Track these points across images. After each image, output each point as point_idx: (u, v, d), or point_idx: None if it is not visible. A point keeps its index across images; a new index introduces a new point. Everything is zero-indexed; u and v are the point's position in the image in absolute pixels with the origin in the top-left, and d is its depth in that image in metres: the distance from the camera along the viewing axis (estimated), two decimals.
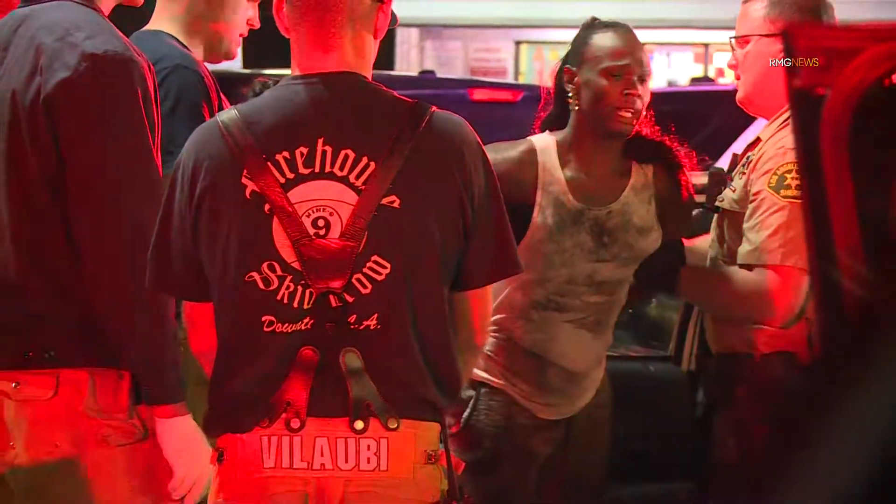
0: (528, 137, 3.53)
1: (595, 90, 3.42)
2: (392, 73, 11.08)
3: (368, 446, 2.50)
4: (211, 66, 3.43)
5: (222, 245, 2.52)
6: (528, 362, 3.53)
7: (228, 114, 2.57)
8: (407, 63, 19.19)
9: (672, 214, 3.53)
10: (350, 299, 2.49)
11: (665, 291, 4.16)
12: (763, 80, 3.40)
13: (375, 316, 2.50)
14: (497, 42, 20.02)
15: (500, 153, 3.38)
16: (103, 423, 2.82)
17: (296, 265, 2.49)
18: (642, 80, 3.42)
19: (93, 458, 2.82)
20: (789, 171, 3.21)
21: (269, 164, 2.50)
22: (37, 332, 2.82)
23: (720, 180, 3.47)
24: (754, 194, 3.28)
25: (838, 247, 1.58)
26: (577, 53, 3.47)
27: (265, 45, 4.51)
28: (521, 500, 3.60)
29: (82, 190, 2.77)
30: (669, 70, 19.10)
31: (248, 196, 2.50)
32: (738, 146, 3.92)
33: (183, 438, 2.83)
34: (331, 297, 2.49)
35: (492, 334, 3.45)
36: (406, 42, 19.56)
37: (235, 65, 7.64)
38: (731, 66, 3.53)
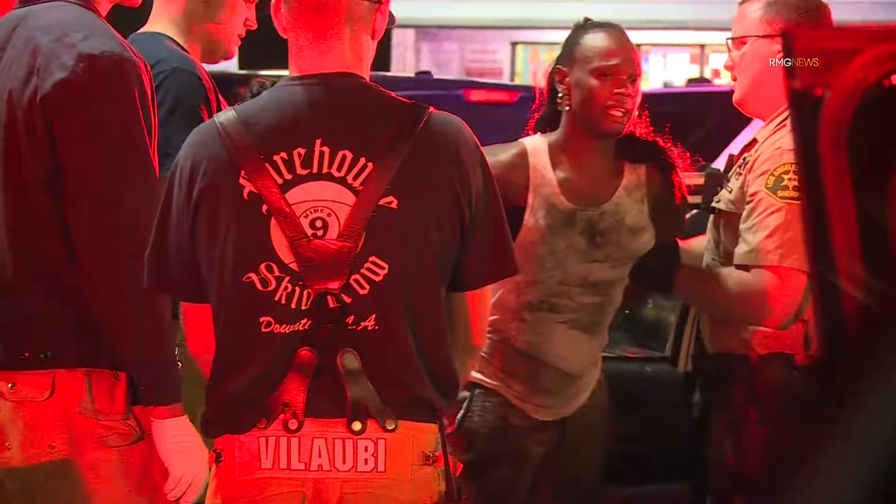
0: (520, 140, 3.54)
1: (586, 90, 3.42)
2: (388, 74, 11.08)
3: (366, 447, 2.50)
4: (207, 67, 3.42)
5: (220, 246, 2.51)
6: (522, 363, 3.52)
7: (226, 115, 2.56)
8: (403, 64, 19.19)
9: (665, 215, 3.53)
10: (348, 300, 2.49)
11: (660, 292, 4.17)
12: (760, 81, 3.40)
13: (373, 317, 2.50)
14: (493, 43, 20.02)
15: (492, 156, 3.38)
16: (99, 424, 2.82)
17: (293, 266, 2.49)
18: (633, 79, 3.42)
19: (89, 459, 2.81)
20: (786, 173, 3.21)
21: (266, 164, 2.50)
22: (33, 333, 2.81)
23: (716, 181, 3.47)
24: (751, 195, 3.28)
25: (837, 248, 1.57)
26: (569, 54, 3.48)
27: (262, 47, 4.51)
28: (515, 502, 3.59)
29: (79, 190, 2.76)
30: (665, 71, 19.11)
31: (245, 197, 2.50)
32: (734, 147, 3.92)
33: (179, 439, 2.83)
34: (329, 297, 2.48)
35: (486, 335, 3.44)
36: (402, 43, 19.56)
37: (232, 66, 7.63)
38: (727, 68, 3.53)
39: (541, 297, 3.49)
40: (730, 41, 3.48)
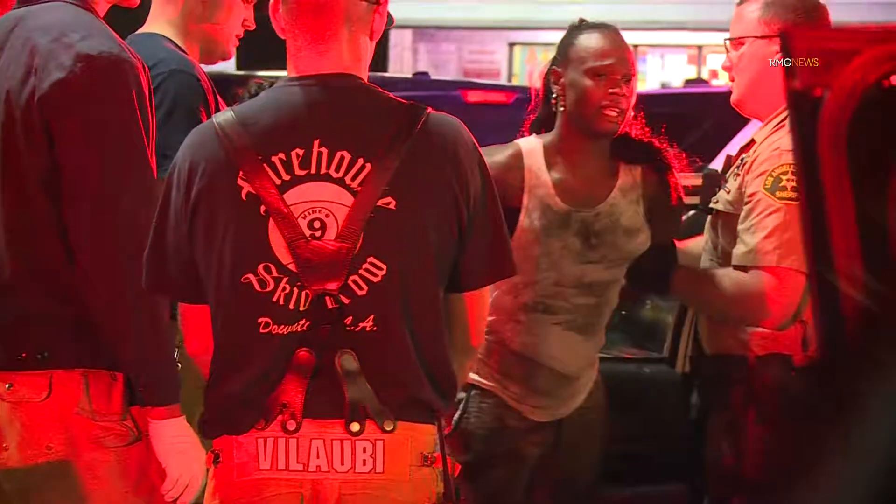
0: (516, 141, 3.53)
1: (580, 90, 3.42)
2: (385, 74, 11.08)
3: (364, 448, 2.49)
4: (205, 68, 3.42)
5: (218, 247, 2.51)
6: (518, 364, 3.52)
7: (224, 115, 2.56)
8: (400, 65, 19.20)
9: (661, 216, 3.53)
10: (346, 301, 2.49)
11: (657, 293, 4.16)
12: (757, 81, 3.40)
13: (371, 318, 2.49)
14: (491, 44, 20.04)
15: (487, 157, 3.37)
16: (96, 425, 2.81)
17: (292, 267, 2.48)
18: (627, 79, 3.42)
19: (86, 459, 2.81)
20: (785, 173, 3.21)
21: (265, 165, 2.49)
22: (31, 334, 2.81)
23: (714, 182, 3.47)
24: (749, 196, 3.27)
25: (835, 249, 1.57)
26: (563, 55, 3.48)
27: (259, 47, 4.50)
28: (511, 503, 3.59)
29: (77, 190, 2.76)
30: (663, 72, 19.12)
31: (244, 198, 2.49)
32: (732, 148, 3.92)
33: (177, 440, 2.83)
34: (327, 298, 2.48)
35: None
36: (399, 44, 19.57)
37: (230, 66, 7.63)
38: (725, 68, 3.53)
39: (536, 299, 3.48)
40: (728, 42, 3.48)
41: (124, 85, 2.77)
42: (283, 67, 2.60)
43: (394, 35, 18.56)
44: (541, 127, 3.55)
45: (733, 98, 3.48)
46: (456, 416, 3.53)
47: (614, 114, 3.40)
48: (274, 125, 2.53)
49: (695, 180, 3.66)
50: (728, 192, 3.37)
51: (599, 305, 3.52)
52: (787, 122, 3.29)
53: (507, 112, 6.60)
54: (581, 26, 3.50)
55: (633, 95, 3.43)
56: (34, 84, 2.76)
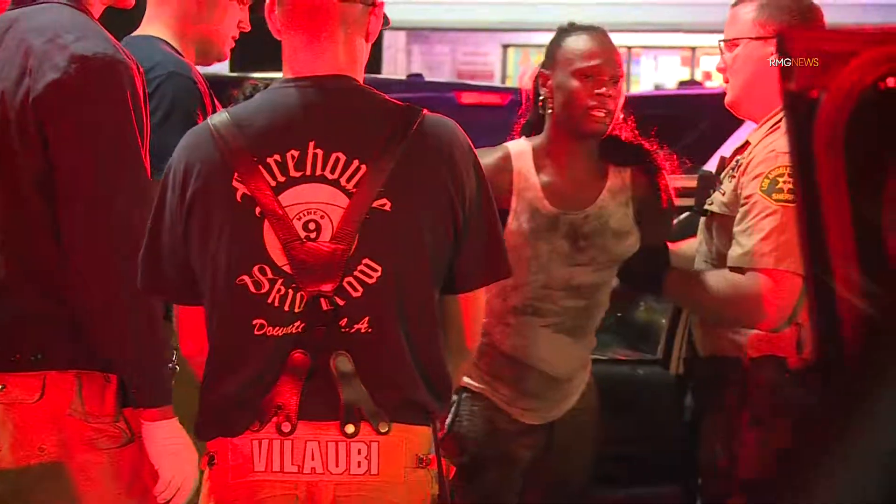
0: (505, 143, 3.54)
1: (567, 92, 3.42)
2: (379, 76, 11.08)
3: (359, 450, 2.49)
4: (198, 69, 3.41)
5: (213, 248, 2.51)
6: (508, 367, 3.52)
7: (220, 117, 2.56)
8: (394, 66, 19.21)
9: (651, 218, 3.53)
10: (341, 303, 2.48)
11: (650, 294, 4.16)
12: (752, 83, 3.40)
13: (366, 319, 2.49)
14: (484, 45, 20.05)
15: None
16: (89, 427, 2.81)
17: (287, 268, 2.48)
18: (615, 81, 3.42)
19: (79, 461, 2.80)
20: (781, 175, 3.21)
21: (260, 167, 2.49)
22: (24, 335, 2.81)
23: (709, 183, 3.47)
24: (745, 198, 3.27)
25: (832, 251, 1.57)
26: (551, 57, 3.49)
27: (253, 49, 4.50)
28: None
29: (71, 191, 2.76)
30: (656, 74, 19.14)
31: (239, 199, 2.49)
32: (726, 150, 3.92)
33: (169, 442, 2.82)
34: (322, 300, 2.48)
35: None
36: (393, 45, 19.58)
37: (223, 68, 7.63)
38: (719, 70, 3.53)
39: (525, 301, 3.48)
40: (722, 43, 3.48)
41: (119, 86, 2.77)
42: (277, 69, 2.60)
43: (388, 36, 18.57)
44: (531, 130, 3.55)
45: (727, 99, 3.48)
46: (449, 419, 3.53)
47: (602, 114, 3.40)
48: (269, 127, 2.52)
49: (689, 182, 3.66)
50: (723, 194, 3.37)
51: (588, 308, 3.52)
52: (782, 123, 3.29)
53: (502, 114, 6.60)
54: (569, 29, 3.51)
55: (620, 97, 3.43)
56: (28, 85, 2.76)
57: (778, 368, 3.34)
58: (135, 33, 3.41)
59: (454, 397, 3.51)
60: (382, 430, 2.49)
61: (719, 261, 3.35)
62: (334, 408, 2.48)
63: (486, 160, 3.41)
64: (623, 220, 3.49)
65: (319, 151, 2.50)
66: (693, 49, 18.94)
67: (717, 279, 3.32)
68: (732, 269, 3.27)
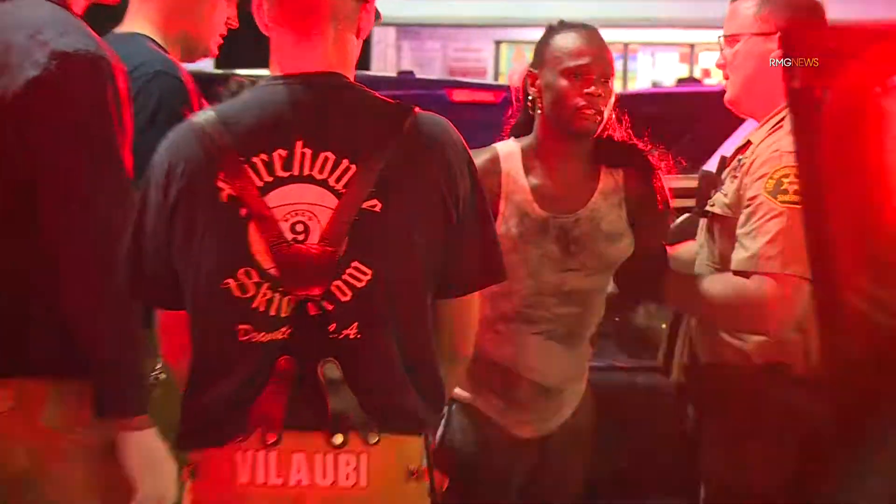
0: (493, 145, 3.53)
1: (556, 91, 3.42)
2: (369, 73, 11.07)
3: (347, 461, 2.48)
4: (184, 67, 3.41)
5: (197, 250, 2.49)
6: (498, 377, 3.51)
7: (205, 114, 2.54)
8: (384, 63, 19.21)
9: (646, 220, 3.52)
10: (329, 307, 2.47)
11: (649, 300, 4.15)
12: (753, 80, 3.41)
13: (355, 325, 2.48)
14: (476, 42, 20.06)
15: None
16: (63, 437, 2.80)
17: (273, 272, 2.47)
18: (605, 80, 3.41)
19: (53, 473, 2.79)
20: (786, 176, 3.20)
21: (246, 166, 2.48)
22: None
23: (710, 184, 3.46)
24: (749, 199, 3.26)
25: (839, 255, 1.57)
26: (539, 56, 3.49)
27: (238, 46, 4.49)
28: None
29: (50, 191, 2.75)
30: (654, 71, 19.16)
31: (224, 200, 2.48)
32: (726, 149, 3.92)
33: (146, 453, 2.81)
34: (309, 304, 2.47)
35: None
36: (383, 41, 19.58)
37: (207, 65, 7.61)
38: (719, 66, 3.53)
39: (515, 309, 3.47)
40: (722, 39, 3.48)
41: (100, 84, 2.76)
42: (262, 66, 2.59)
43: (377, 32, 18.57)
44: (520, 132, 3.55)
45: (727, 97, 3.48)
46: (439, 432, 3.52)
47: (591, 113, 3.39)
48: (256, 125, 2.51)
49: (689, 182, 3.66)
50: (725, 195, 3.36)
51: (582, 315, 3.50)
52: (785, 122, 3.29)
53: (495, 112, 6.60)
54: (558, 27, 3.51)
55: (611, 96, 3.43)
56: (7, 82, 2.75)
57: (784, 376, 3.33)
58: (118, 29, 3.40)
59: (445, 408, 3.50)
60: (372, 441, 2.48)
61: (722, 264, 3.35)
62: (322, 417, 2.47)
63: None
64: (616, 222, 3.48)
65: (308, 151, 2.49)
66: (692, 45, 18.96)
67: (721, 283, 3.31)
68: (737, 273, 3.26)
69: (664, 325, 4.24)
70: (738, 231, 3.27)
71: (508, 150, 3.50)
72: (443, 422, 3.52)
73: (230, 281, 2.47)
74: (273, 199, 2.47)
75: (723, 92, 3.52)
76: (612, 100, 3.44)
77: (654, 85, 16.87)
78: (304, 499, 2.48)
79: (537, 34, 3.57)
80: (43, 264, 2.77)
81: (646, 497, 4.34)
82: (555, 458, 3.56)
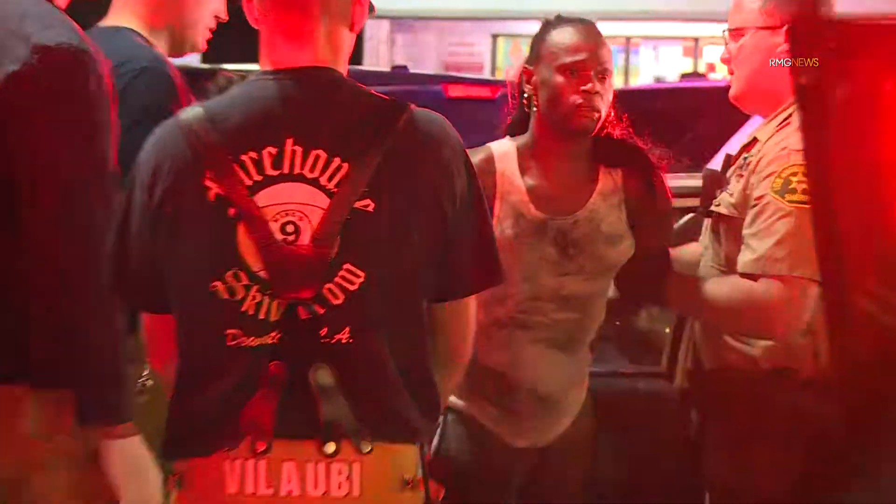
0: (487, 144, 3.52)
1: (552, 88, 3.41)
2: (362, 68, 11.07)
3: (340, 471, 2.47)
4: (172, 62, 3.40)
5: (183, 252, 2.48)
6: (494, 385, 3.50)
7: (192, 111, 2.53)
8: (377, 57, 19.21)
9: (647, 220, 3.50)
10: (321, 311, 2.46)
11: (651, 303, 4.14)
12: (759, 75, 3.40)
13: (348, 329, 2.47)
14: (472, 35, 20.06)
15: None
16: (45, 445, 2.79)
17: (262, 274, 2.46)
18: (602, 76, 3.40)
19: (34, 482, 2.79)
20: (794, 175, 3.19)
21: (234, 165, 2.47)
22: None
23: (715, 183, 3.46)
24: (756, 199, 3.25)
25: (849, 256, 1.56)
26: (535, 52, 3.47)
27: (225, 40, 4.48)
28: None
29: (32, 189, 2.74)
30: (657, 65, 19.16)
31: (211, 199, 2.47)
32: (732, 147, 3.91)
33: (130, 460, 2.81)
34: (300, 308, 2.46)
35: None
36: (376, 35, 19.58)
37: (194, 59, 7.60)
38: (724, 61, 3.52)
39: (511, 314, 3.46)
40: (726, 33, 3.47)
41: (83, 78, 2.76)
42: (250, 61, 2.58)
43: (370, 25, 18.56)
44: (516, 131, 3.53)
45: (732, 93, 3.48)
46: (435, 442, 3.50)
47: (589, 110, 3.38)
48: (245, 122, 2.50)
49: (692, 181, 3.65)
50: (731, 195, 3.35)
51: (581, 321, 3.49)
52: (793, 118, 3.28)
53: (492, 108, 6.59)
54: (554, 22, 3.50)
55: (609, 92, 3.41)
56: None
57: (792, 380, 3.33)
58: (102, 23, 3.40)
59: (440, 418, 3.49)
60: (365, 450, 2.47)
61: (728, 266, 3.34)
62: (313, 425, 2.46)
63: None
64: (615, 224, 3.47)
65: (298, 148, 2.48)
66: (696, 39, 18.97)
67: (727, 286, 3.30)
68: (743, 275, 3.25)
69: (667, 329, 4.24)
70: (745, 232, 3.26)
71: (503, 149, 3.49)
72: (438, 431, 3.51)
73: (218, 283, 2.46)
74: (262, 198, 2.46)
75: (728, 87, 3.51)
76: (611, 97, 3.43)
77: (657, 80, 16.89)
78: None
79: (535, 28, 3.56)
80: (25, 265, 2.76)
81: None
82: (553, 468, 3.55)
